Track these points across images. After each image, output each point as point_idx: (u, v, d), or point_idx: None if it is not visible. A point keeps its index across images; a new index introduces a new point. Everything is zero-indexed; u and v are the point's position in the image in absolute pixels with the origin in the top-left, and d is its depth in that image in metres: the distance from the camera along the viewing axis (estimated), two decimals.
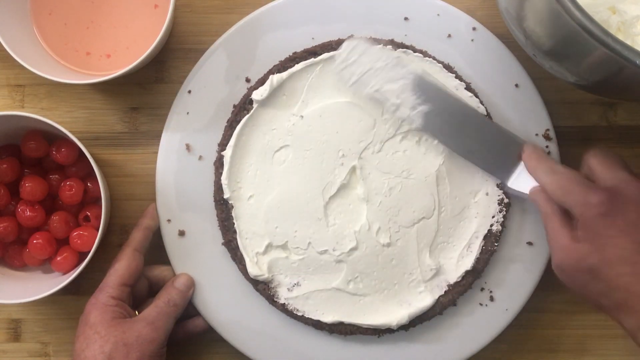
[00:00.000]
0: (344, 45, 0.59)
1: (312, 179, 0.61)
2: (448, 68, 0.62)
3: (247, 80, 0.63)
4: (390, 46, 0.61)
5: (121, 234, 0.65)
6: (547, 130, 0.63)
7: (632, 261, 0.48)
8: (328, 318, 0.61)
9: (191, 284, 0.61)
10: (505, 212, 0.62)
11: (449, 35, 0.63)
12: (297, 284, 0.61)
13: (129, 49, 0.62)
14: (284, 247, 0.61)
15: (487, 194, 0.62)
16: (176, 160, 0.63)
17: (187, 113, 0.63)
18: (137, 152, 0.65)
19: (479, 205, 0.62)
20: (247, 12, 0.63)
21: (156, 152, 0.63)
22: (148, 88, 0.65)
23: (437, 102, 0.59)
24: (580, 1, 0.44)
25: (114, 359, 0.54)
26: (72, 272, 0.59)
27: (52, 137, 0.61)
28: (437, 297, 0.61)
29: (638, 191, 0.50)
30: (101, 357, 0.54)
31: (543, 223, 0.54)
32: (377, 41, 0.61)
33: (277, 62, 0.62)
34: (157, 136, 0.64)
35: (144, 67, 0.64)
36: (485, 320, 0.62)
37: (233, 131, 0.61)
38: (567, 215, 0.52)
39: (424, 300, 0.61)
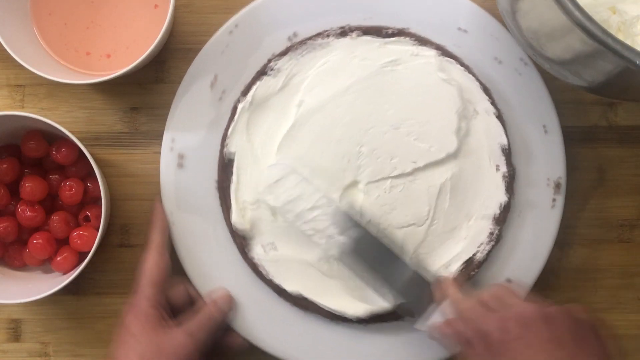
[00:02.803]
0: (273, 169, 0.60)
1: None
2: (486, 90, 0.62)
3: (294, 35, 0.63)
4: (439, 51, 0.61)
5: (121, 234, 0.65)
6: (560, 177, 0.62)
7: None
8: (291, 287, 0.61)
9: (231, 303, 0.61)
10: (493, 245, 0.61)
11: (499, 61, 0.63)
12: (274, 247, 0.61)
13: (129, 49, 0.62)
14: (273, 209, 0.61)
15: (482, 217, 0.61)
16: (197, 90, 0.62)
17: (222, 52, 0.62)
18: (137, 152, 0.65)
19: (470, 229, 0.61)
20: None
21: (156, 152, 0.63)
22: (148, 88, 0.65)
23: (356, 236, 0.58)
24: (580, 1, 0.44)
25: None
26: (72, 272, 0.59)
27: (52, 137, 0.61)
28: (399, 303, 0.61)
29: (537, 313, 0.50)
30: None
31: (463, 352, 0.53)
32: (426, 42, 0.62)
33: (327, 28, 0.62)
34: (157, 136, 0.64)
35: (144, 67, 0.64)
36: None
37: (257, 81, 0.62)
38: None
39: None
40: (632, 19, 0.50)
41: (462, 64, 0.62)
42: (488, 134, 0.62)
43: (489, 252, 0.61)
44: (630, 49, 0.43)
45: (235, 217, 0.61)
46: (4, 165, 0.61)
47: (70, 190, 0.61)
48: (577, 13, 0.43)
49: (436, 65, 0.61)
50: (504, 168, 0.62)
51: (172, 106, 0.63)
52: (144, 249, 0.60)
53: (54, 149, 0.61)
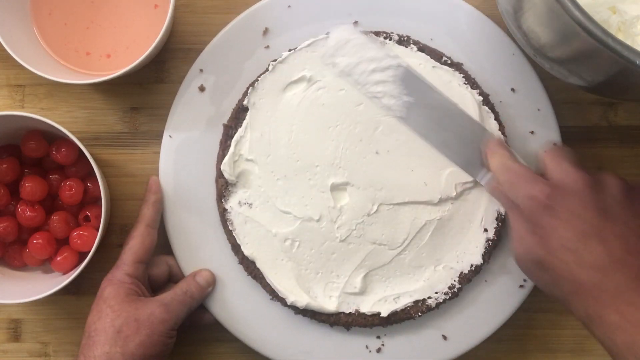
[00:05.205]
0: (333, 34, 0.59)
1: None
2: (475, 84, 0.62)
3: (357, 23, 0.63)
4: (483, 99, 0.61)
5: (121, 234, 0.65)
6: None
7: (574, 249, 0.48)
8: (246, 250, 0.61)
9: (212, 281, 0.62)
10: (447, 299, 0.61)
11: (533, 133, 0.63)
12: (250, 205, 0.61)
13: (129, 49, 0.62)
14: (265, 172, 0.61)
15: (451, 268, 0.61)
16: (248, 33, 0.63)
17: (288, 7, 0.63)
18: (137, 152, 0.65)
19: (434, 274, 0.61)
20: None
21: (156, 152, 0.63)
22: (148, 88, 0.65)
23: (420, 95, 0.58)
24: (580, 1, 0.44)
25: (124, 332, 0.55)
26: (72, 272, 0.59)
27: (52, 137, 0.61)
28: (340, 311, 0.60)
29: (578, 182, 0.50)
30: (111, 330, 0.55)
31: (509, 215, 0.54)
32: (474, 84, 0.62)
33: (389, 29, 0.63)
34: (157, 136, 0.64)
35: (144, 67, 0.64)
36: None
37: (304, 48, 0.61)
38: None
39: (328, 304, 0.60)
40: (632, 19, 0.50)
41: (498, 120, 0.62)
42: (491, 198, 0.61)
43: (442, 302, 0.61)
44: (630, 49, 0.43)
45: (226, 163, 0.61)
46: (4, 165, 0.61)
47: (70, 190, 0.61)
48: (577, 13, 0.43)
49: (475, 111, 0.60)
50: (491, 234, 0.61)
51: (217, 38, 0.63)
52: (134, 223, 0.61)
53: (54, 149, 0.61)
